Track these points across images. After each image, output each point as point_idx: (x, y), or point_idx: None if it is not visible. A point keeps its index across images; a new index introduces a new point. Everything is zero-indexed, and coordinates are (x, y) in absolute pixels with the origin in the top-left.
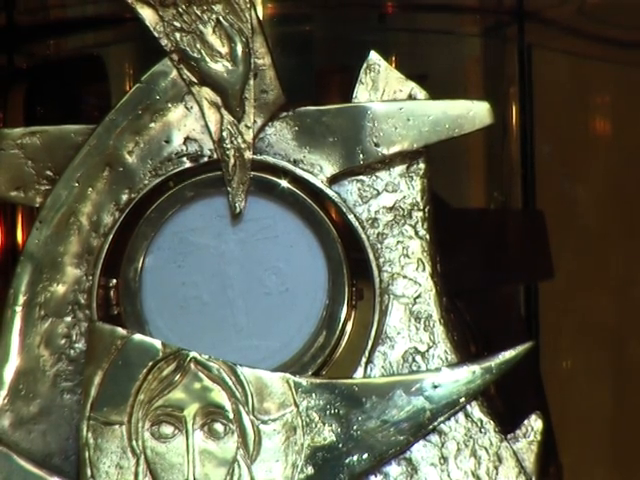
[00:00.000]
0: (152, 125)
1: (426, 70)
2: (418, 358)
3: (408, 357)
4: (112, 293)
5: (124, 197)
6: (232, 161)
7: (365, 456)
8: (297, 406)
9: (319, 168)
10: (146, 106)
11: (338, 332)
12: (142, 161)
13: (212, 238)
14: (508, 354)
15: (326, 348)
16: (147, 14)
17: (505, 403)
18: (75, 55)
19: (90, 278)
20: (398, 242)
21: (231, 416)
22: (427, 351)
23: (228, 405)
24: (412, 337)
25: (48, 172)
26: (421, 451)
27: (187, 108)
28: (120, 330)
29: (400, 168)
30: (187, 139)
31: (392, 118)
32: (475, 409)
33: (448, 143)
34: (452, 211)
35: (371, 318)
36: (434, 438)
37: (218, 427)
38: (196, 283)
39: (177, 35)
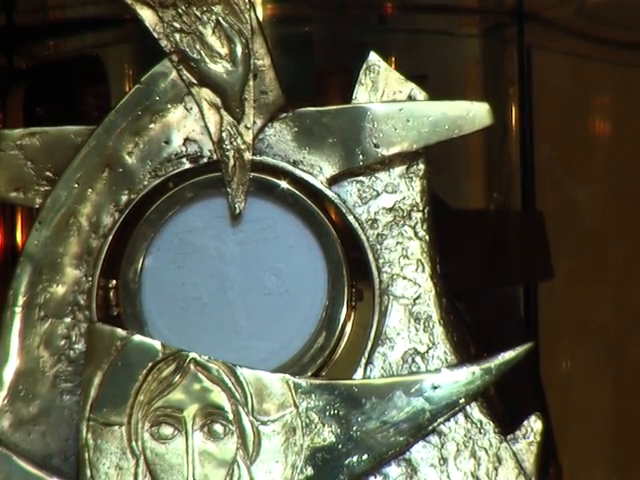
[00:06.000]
0: (152, 126)
1: (426, 71)
2: (418, 359)
3: (408, 358)
4: (112, 294)
5: (124, 198)
6: (232, 162)
7: (365, 457)
8: (297, 407)
9: (319, 169)
10: (146, 107)
11: (338, 333)
12: (142, 162)
13: (212, 239)
14: (508, 355)
15: (326, 349)
16: (147, 15)
17: (505, 404)
18: (74, 56)
19: (90, 279)
20: (398, 243)
21: (231, 417)
22: (427, 352)
23: (228, 406)
24: (412, 338)
25: (48, 173)
26: (421, 452)
27: (187, 109)
28: (120, 331)
29: (400, 169)
30: (187, 140)
31: (392, 119)
32: (475, 410)
33: (448, 144)
34: (452, 212)
35: (371, 319)
36: (434, 439)
37: (218, 428)
38: (196, 284)
39: (177, 36)
